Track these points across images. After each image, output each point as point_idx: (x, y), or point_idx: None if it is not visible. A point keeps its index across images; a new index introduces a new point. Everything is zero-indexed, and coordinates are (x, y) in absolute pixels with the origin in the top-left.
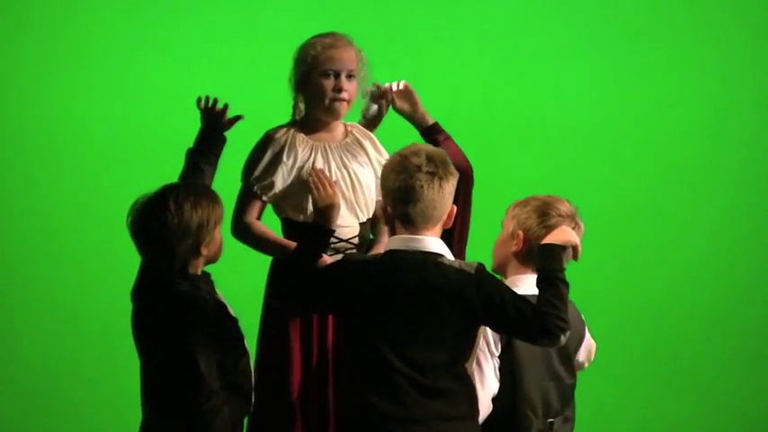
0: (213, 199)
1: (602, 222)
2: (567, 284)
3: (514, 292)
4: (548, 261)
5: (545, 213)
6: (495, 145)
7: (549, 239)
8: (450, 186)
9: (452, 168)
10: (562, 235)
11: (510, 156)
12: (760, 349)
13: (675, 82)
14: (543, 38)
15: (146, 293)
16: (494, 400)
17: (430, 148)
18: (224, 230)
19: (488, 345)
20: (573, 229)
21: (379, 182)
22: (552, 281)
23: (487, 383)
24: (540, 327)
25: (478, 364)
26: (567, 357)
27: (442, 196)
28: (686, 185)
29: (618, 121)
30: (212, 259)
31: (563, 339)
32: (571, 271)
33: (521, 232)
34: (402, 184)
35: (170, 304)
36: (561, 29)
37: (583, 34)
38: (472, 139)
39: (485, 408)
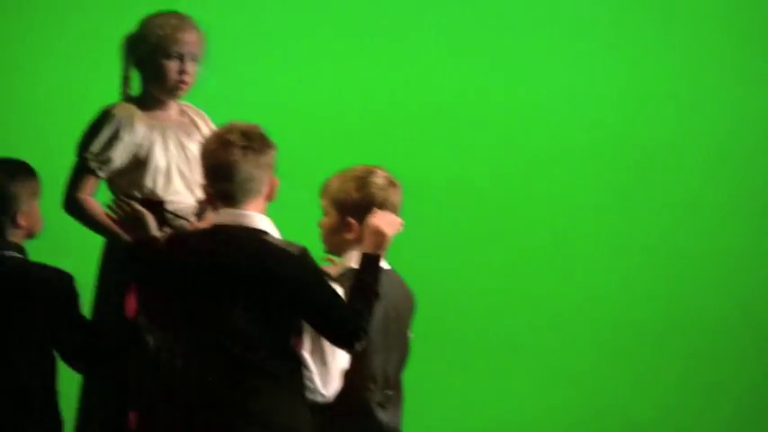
0: (29, 171)
1: (575, 211)
2: (378, 296)
3: (333, 290)
4: (366, 272)
5: (364, 185)
6: (473, 137)
7: (369, 245)
8: (268, 158)
9: (269, 141)
10: (388, 228)
11: (484, 147)
12: (722, 342)
13: (645, 67)
14: (518, 30)
15: None
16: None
17: (244, 123)
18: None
19: None
20: (395, 187)
21: None
22: (366, 292)
23: (340, 355)
24: (342, 330)
25: None
26: (403, 330)
27: (259, 168)
28: (652, 172)
29: (585, 108)
30: (32, 232)
31: (358, 348)
32: (543, 257)
33: (351, 220)
34: (217, 162)
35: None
36: (533, 20)
37: (557, 23)
38: (449, 133)
39: (335, 382)
